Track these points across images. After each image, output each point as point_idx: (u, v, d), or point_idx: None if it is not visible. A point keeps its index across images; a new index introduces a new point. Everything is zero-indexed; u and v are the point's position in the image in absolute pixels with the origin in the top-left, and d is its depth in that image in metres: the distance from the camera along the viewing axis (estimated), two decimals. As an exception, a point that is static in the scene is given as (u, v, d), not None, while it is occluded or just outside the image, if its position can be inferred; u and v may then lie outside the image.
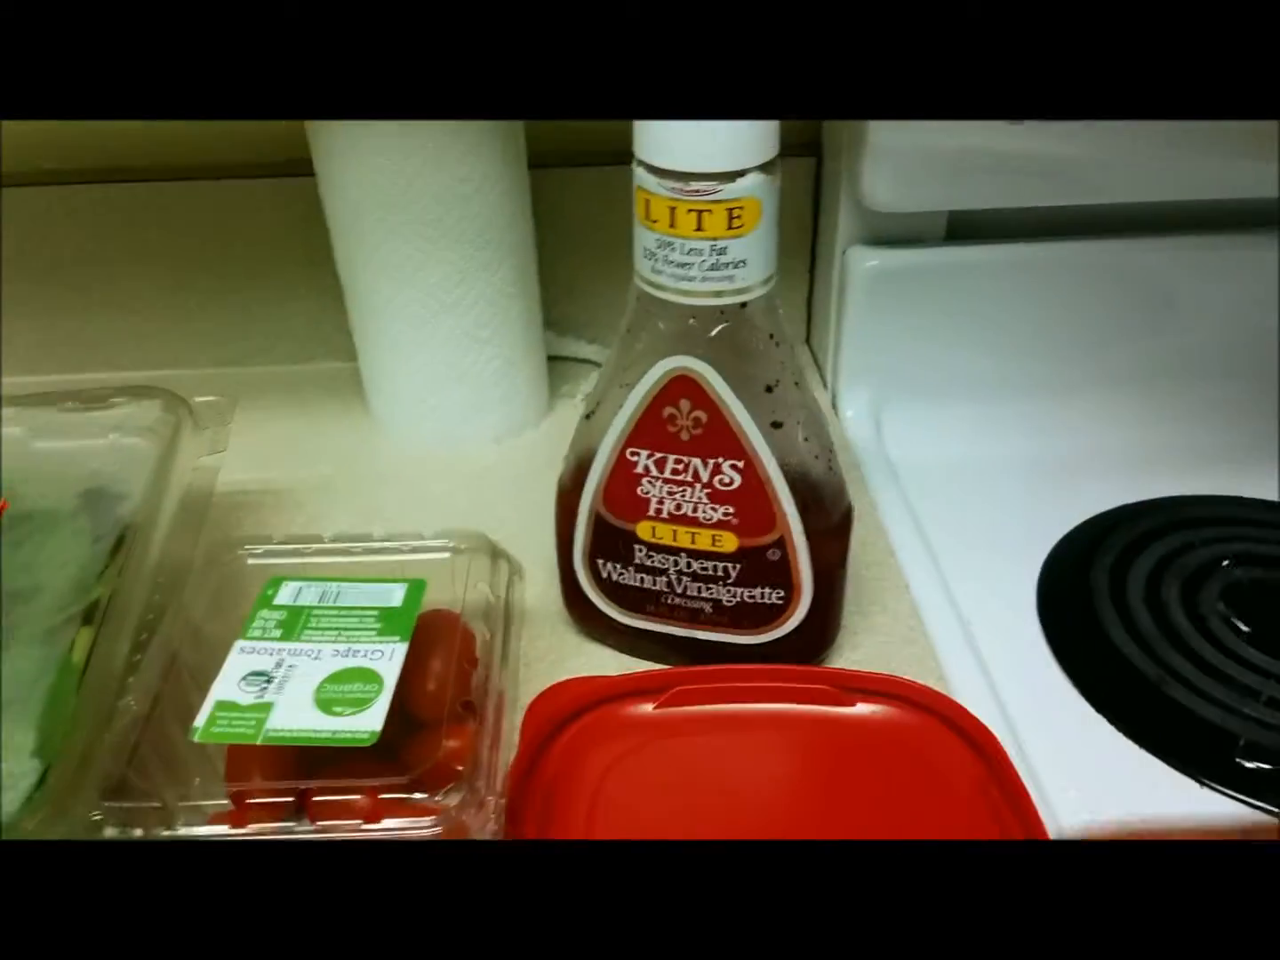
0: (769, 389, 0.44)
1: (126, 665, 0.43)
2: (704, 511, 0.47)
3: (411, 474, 0.66)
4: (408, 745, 0.42)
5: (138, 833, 0.36)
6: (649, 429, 0.46)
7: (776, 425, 0.45)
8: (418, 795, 0.38)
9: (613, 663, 0.54)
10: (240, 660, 0.43)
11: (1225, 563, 0.58)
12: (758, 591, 0.49)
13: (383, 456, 0.69)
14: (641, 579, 0.51)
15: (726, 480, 0.46)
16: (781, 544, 0.48)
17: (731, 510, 0.47)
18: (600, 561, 0.51)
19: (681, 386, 0.44)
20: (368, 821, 0.37)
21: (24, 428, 0.53)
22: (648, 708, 0.50)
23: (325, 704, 0.41)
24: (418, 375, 0.66)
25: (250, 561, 0.49)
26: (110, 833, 0.36)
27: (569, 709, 0.49)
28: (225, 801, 0.38)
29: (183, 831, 0.37)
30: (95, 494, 0.50)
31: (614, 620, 0.53)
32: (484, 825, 0.38)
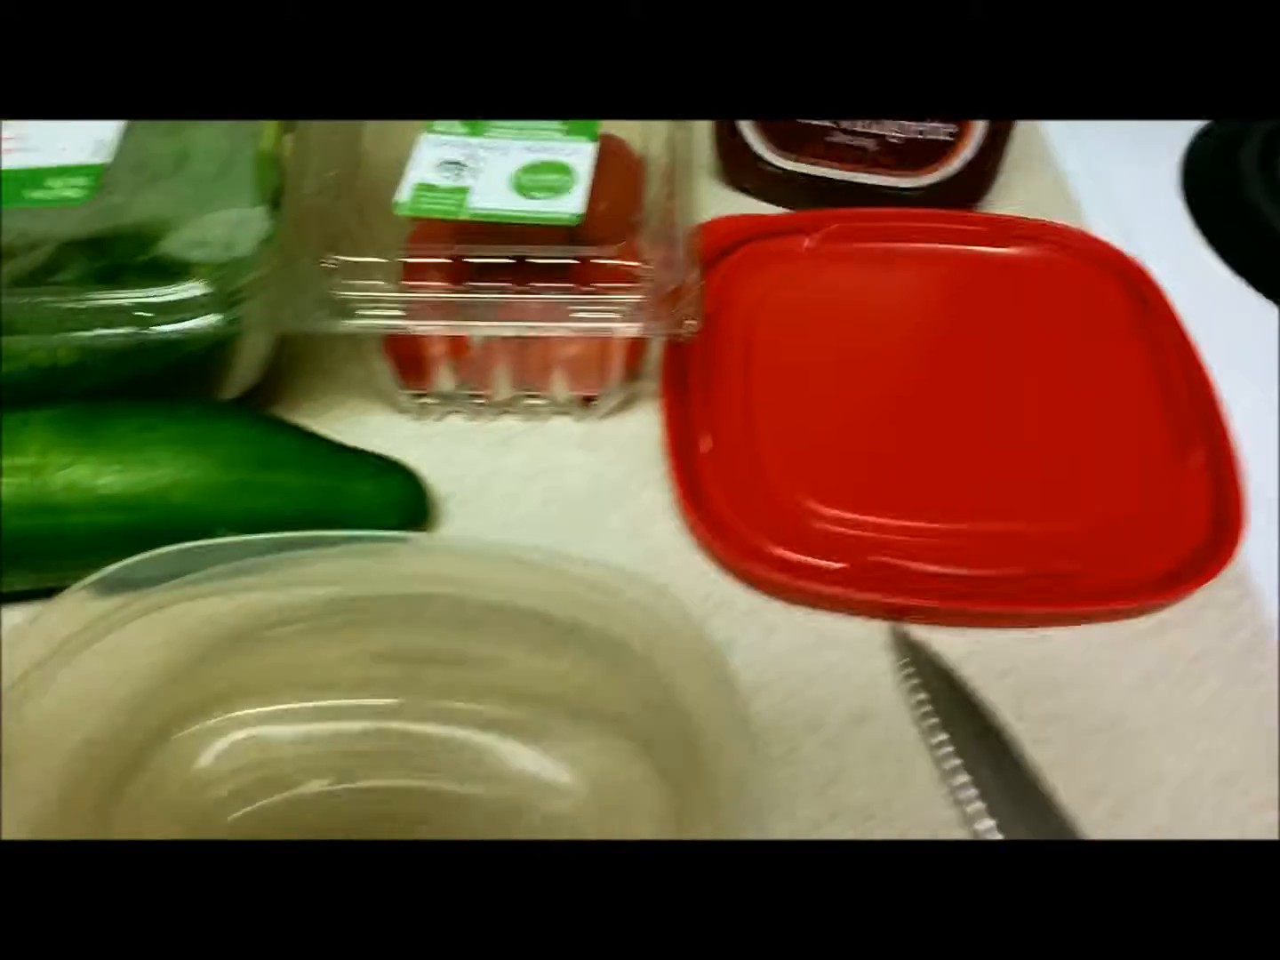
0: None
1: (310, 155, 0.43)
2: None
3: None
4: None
5: (355, 295, 0.38)
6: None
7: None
8: (622, 263, 0.39)
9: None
10: (431, 150, 0.43)
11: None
12: (928, 126, 0.49)
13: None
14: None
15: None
16: (959, 75, 0.47)
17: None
18: (764, 95, 0.50)
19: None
20: (581, 284, 0.38)
21: None
22: (804, 243, 0.51)
23: (523, 189, 0.41)
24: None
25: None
26: (335, 294, 0.38)
27: (726, 241, 0.50)
28: (444, 260, 0.39)
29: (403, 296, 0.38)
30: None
31: (768, 163, 0.52)
32: (680, 315, 0.39)
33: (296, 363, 0.46)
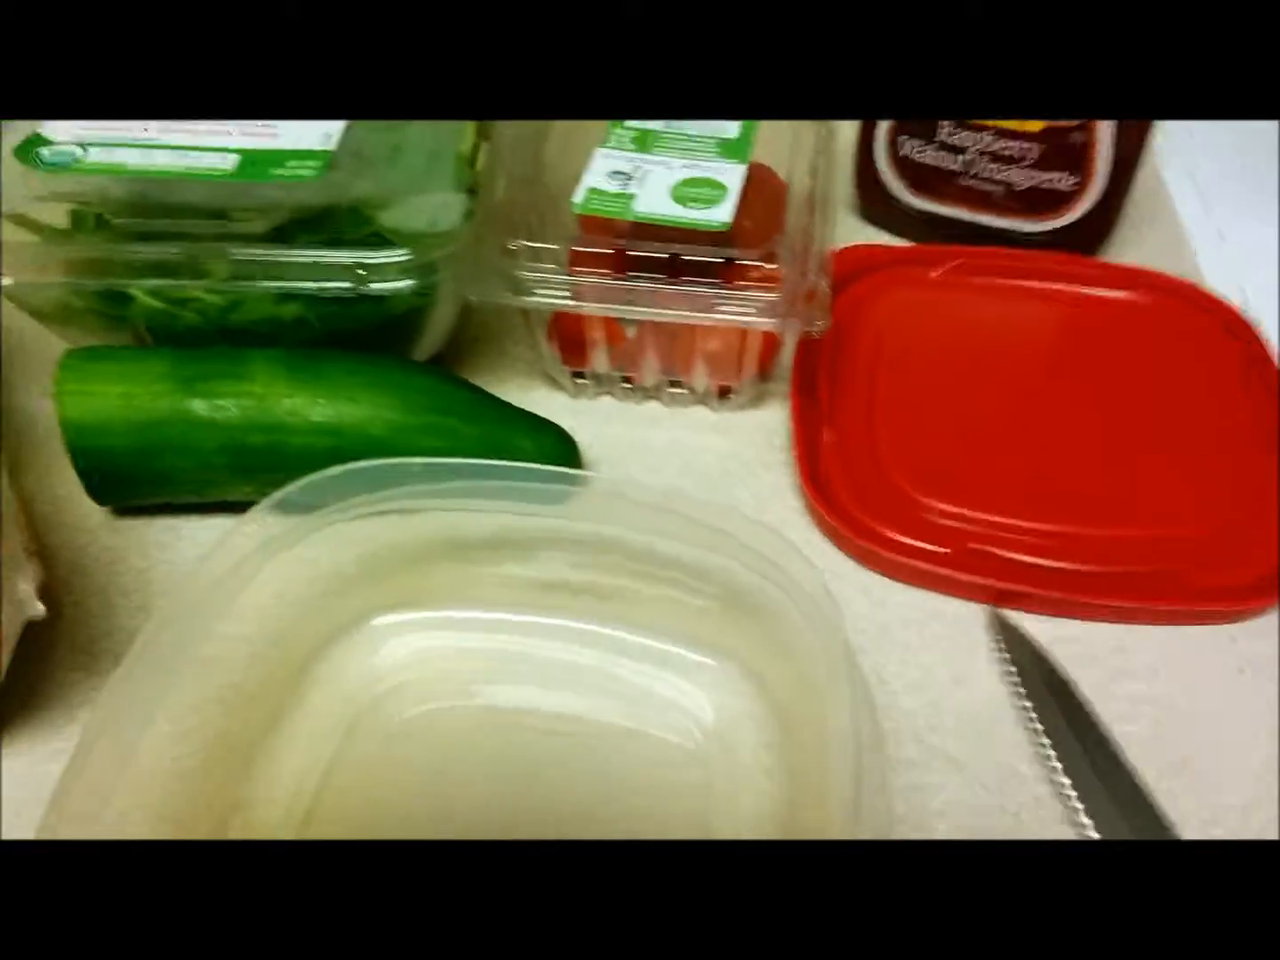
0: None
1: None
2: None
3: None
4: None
5: (530, 275, 0.44)
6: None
7: None
8: (763, 265, 0.44)
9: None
10: (604, 161, 0.49)
11: None
12: (1053, 176, 0.53)
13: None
14: (941, 157, 0.55)
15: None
16: (1085, 128, 0.51)
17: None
18: (902, 138, 0.55)
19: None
20: (725, 282, 0.44)
21: None
22: (931, 274, 0.55)
23: (680, 198, 0.47)
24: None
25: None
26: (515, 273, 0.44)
27: (859, 266, 0.55)
28: (609, 251, 0.45)
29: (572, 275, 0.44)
30: None
31: (902, 202, 0.57)
32: (811, 315, 0.44)
33: (475, 341, 0.53)
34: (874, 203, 0.59)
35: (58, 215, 0.44)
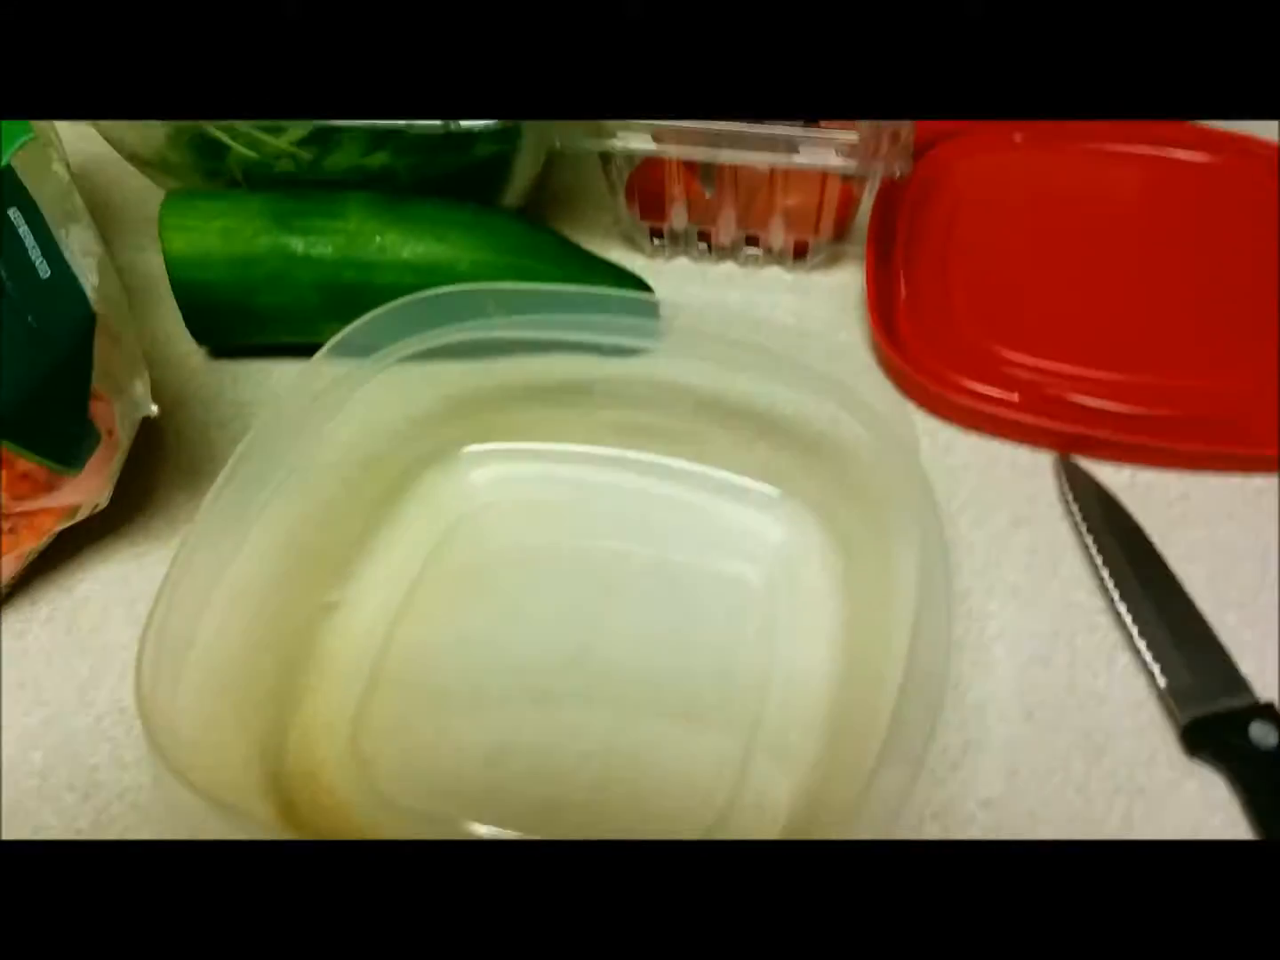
0: None
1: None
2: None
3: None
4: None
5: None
6: None
7: None
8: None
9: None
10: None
11: None
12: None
13: None
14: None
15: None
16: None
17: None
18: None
19: None
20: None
21: None
22: (1015, 137, 0.55)
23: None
24: None
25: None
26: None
27: (945, 128, 0.55)
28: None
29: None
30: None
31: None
32: (892, 158, 0.44)
33: (555, 201, 0.54)
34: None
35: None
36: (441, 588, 0.40)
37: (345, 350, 0.39)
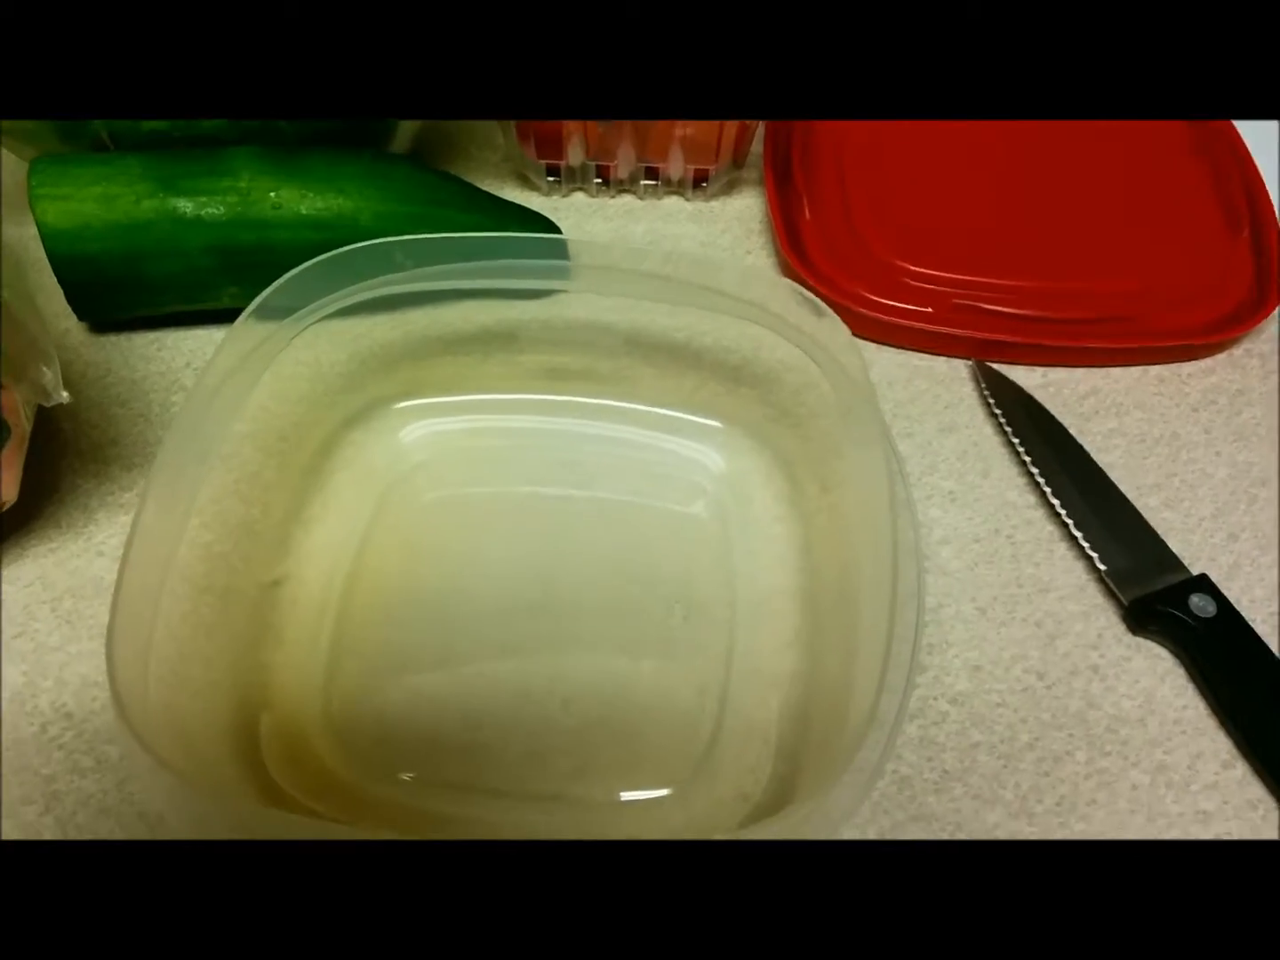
0: None
1: None
2: None
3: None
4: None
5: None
6: None
7: None
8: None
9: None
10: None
11: None
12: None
13: None
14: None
15: None
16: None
17: None
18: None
19: None
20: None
21: None
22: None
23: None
24: None
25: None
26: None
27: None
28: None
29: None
30: None
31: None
32: None
33: (445, 142, 0.52)
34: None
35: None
36: (386, 551, 0.39)
37: (262, 315, 0.37)
